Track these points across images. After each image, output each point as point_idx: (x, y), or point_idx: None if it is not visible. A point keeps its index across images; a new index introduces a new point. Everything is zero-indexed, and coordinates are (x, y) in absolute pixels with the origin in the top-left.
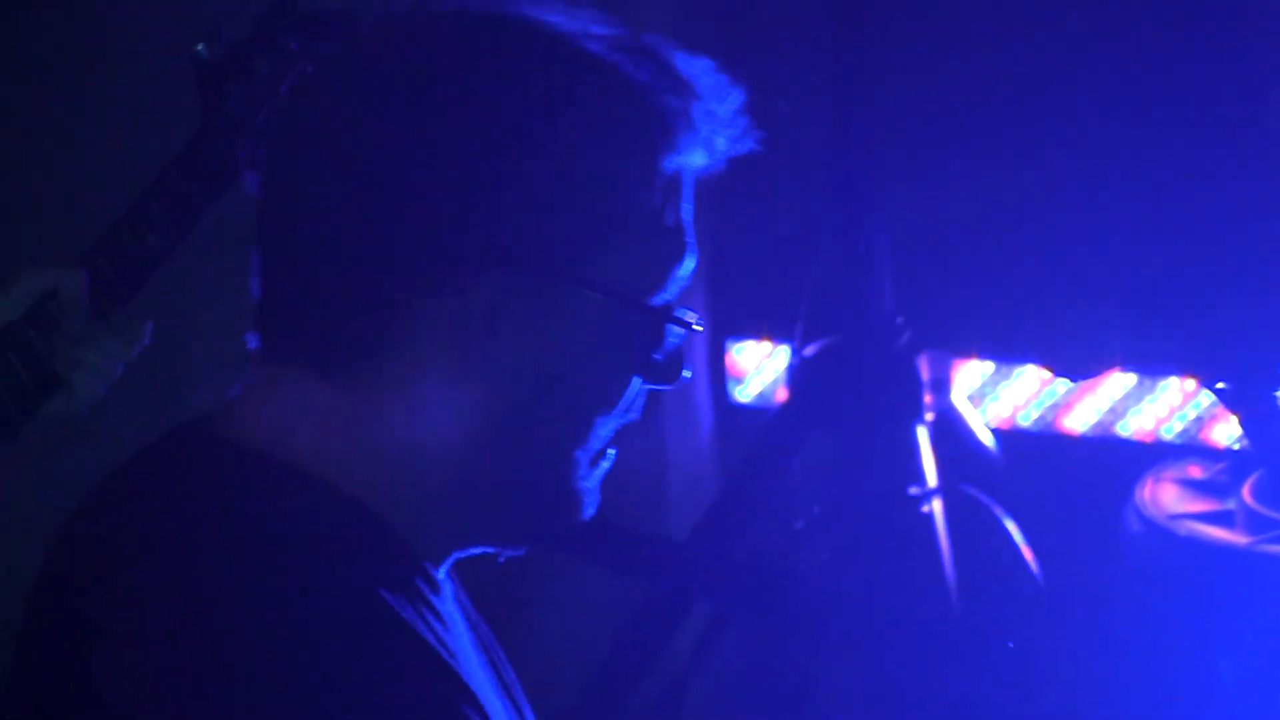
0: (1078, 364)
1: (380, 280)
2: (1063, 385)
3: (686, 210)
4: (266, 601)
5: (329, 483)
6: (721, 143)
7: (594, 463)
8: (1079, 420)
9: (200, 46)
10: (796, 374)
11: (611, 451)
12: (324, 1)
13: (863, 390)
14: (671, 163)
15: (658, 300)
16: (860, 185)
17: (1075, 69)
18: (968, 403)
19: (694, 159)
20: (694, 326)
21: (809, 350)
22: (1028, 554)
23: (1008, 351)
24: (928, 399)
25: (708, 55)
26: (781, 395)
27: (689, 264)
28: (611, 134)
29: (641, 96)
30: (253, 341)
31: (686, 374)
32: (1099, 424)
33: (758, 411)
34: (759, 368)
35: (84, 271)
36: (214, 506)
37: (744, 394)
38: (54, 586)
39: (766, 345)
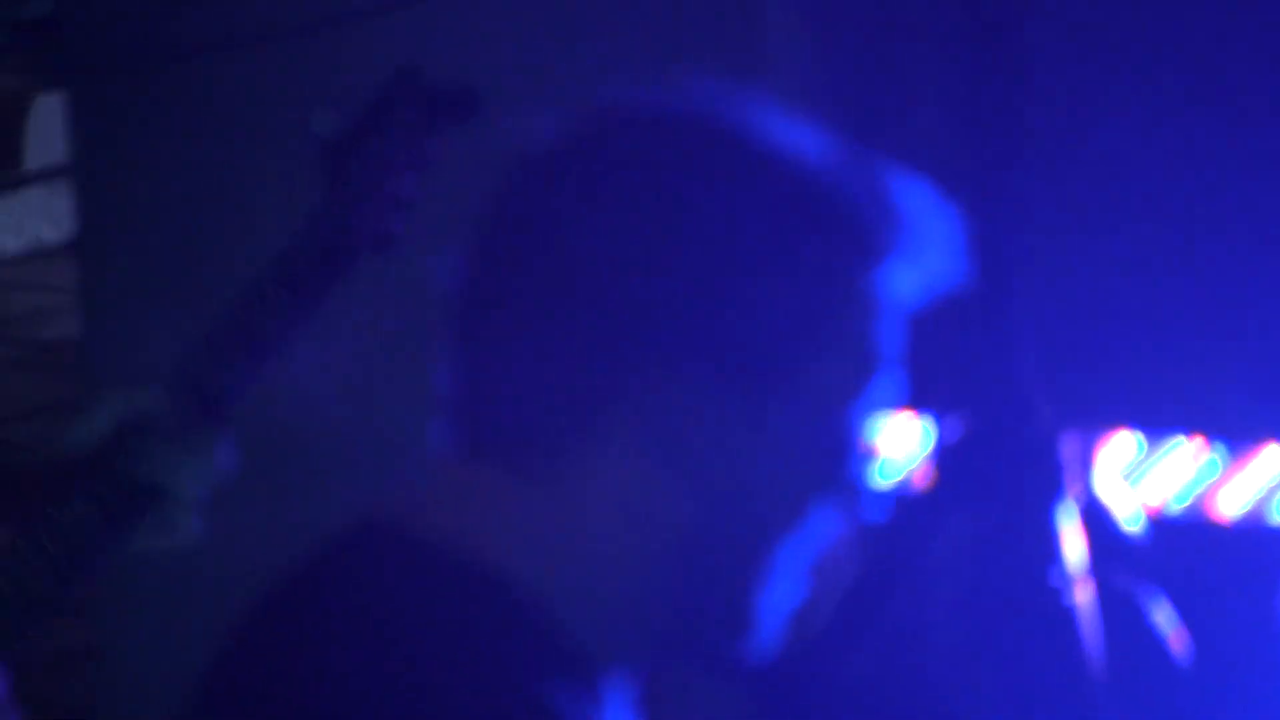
0: (1233, 434)
1: (577, 376)
2: (1215, 460)
3: (889, 321)
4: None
5: (517, 587)
6: (933, 264)
7: (786, 575)
8: (1231, 503)
9: (320, 121)
10: (936, 455)
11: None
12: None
13: (1003, 473)
14: (878, 280)
15: (853, 407)
16: (999, 257)
17: (1210, 126)
18: (1114, 485)
19: (904, 279)
20: (875, 448)
21: (949, 431)
22: (1177, 647)
23: (1157, 422)
24: (1072, 482)
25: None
26: (921, 477)
27: (889, 376)
28: (813, 242)
29: (845, 207)
30: (437, 434)
31: (880, 477)
32: (1253, 508)
33: (897, 493)
34: (898, 449)
35: (167, 393)
36: (399, 609)
37: (884, 475)
38: None
39: (906, 424)
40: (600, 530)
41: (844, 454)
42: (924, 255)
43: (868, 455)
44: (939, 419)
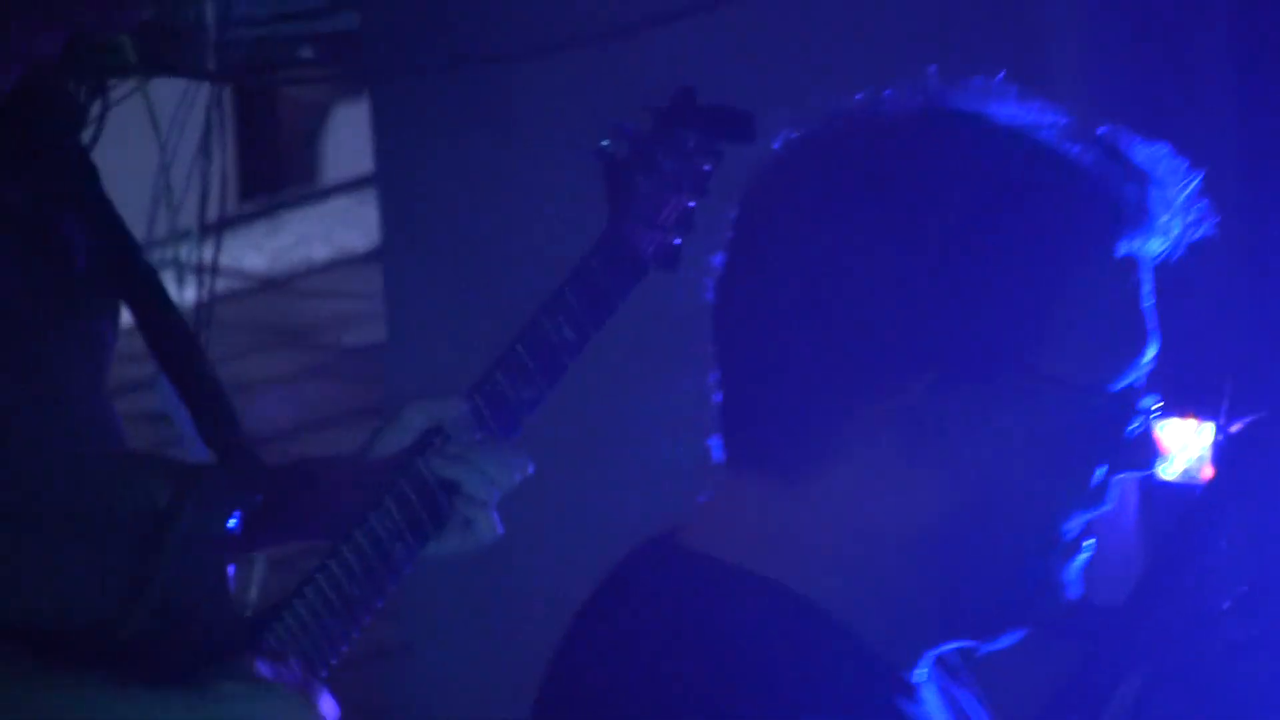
0: None
1: (834, 381)
2: None
3: (1146, 296)
4: None
5: (801, 596)
6: (1178, 228)
7: (1068, 554)
8: None
9: (606, 142)
10: (1222, 451)
11: (1089, 541)
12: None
13: None
14: (1127, 249)
15: (1119, 386)
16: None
17: None
18: None
19: (1151, 245)
20: (1154, 411)
21: (1235, 427)
22: None
23: None
24: None
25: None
26: (1207, 472)
27: (1151, 350)
28: (1067, 224)
29: (1096, 185)
30: (716, 448)
31: (1160, 460)
32: None
33: (1183, 489)
34: (1184, 445)
35: (466, 402)
36: (693, 625)
37: (1169, 471)
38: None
39: (1192, 422)
40: (867, 528)
41: (1115, 419)
42: (1168, 218)
43: (1146, 437)
44: (1227, 414)
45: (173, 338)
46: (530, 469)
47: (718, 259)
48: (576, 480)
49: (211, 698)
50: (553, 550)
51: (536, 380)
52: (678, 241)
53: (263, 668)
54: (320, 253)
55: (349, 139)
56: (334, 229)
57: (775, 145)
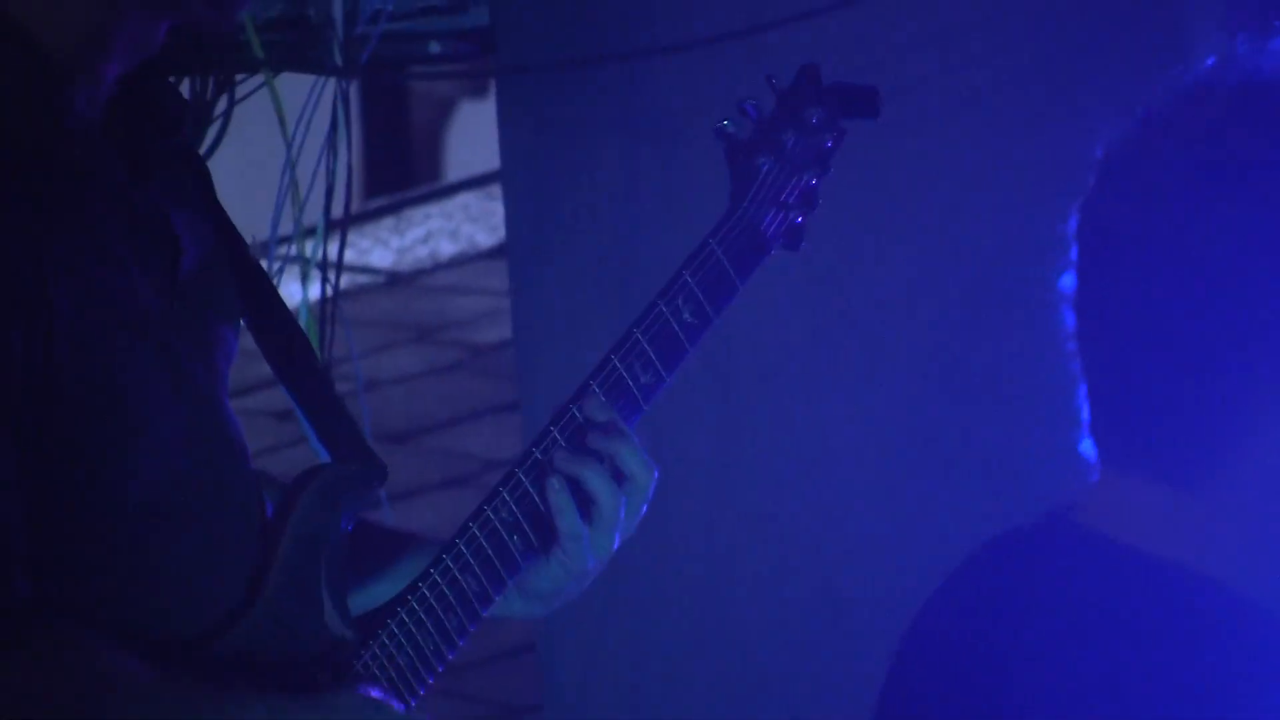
0: None
1: (1217, 374)
2: None
3: None
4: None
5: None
6: None
7: None
8: None
9: (726, 122)
10: None
11: None
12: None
13: None
14: None
15: None
16: None
17: None
18: None
19: None
20: None
21: None
22: None
23: None
24: None
25: None
26: None
27: None
28: None
29: None
30: (1086, 449)
31: None
32: None
33: None
34: None
35: (597, 387)
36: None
37: None
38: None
39: None
40: (1261, 526)
41: None
42: None
43: None
44: None
45: (283, 338)
46: (656, 473)
47: (1068, 281)
48: (704, 474)
49: (327, 709)
50: (680, 547)
51: (655, 366)
52: (801, 220)
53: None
54: (447, 249)
55: (476, 135)
56: (461, 225)
57: (1099, 152)
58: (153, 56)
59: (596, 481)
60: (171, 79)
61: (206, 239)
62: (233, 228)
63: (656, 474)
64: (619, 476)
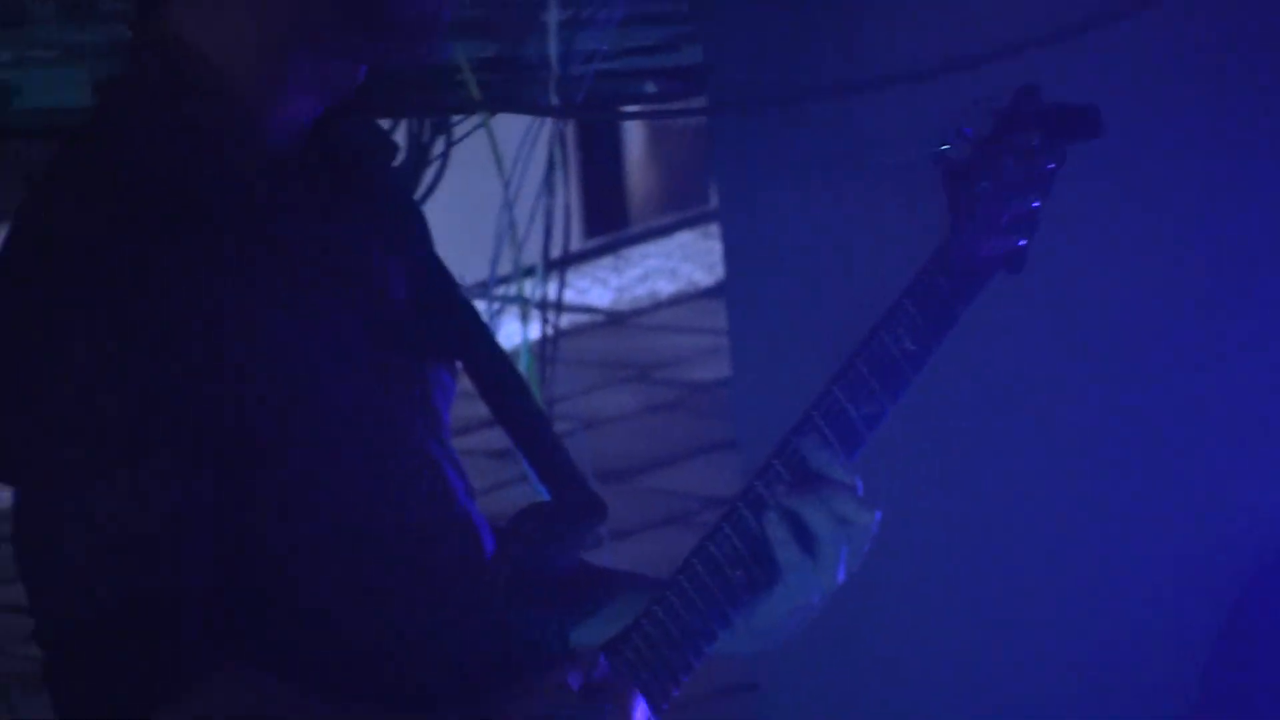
0: None
1: None
2: None
3: None
4: None
5: None
6: None
7: None
8: None
9: (946, 146)
10: None
11: None
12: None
13: None
14: None
15: None
16: None
17: None
18: None
19: None
20: None
21: None
22: None
23: None
24: None
25: None
26: None
27: None
28: None
29: None
30: None
31: None
32: None
33: None
34: None
35: (820, 419)
36: None
37: None
38: None
39: None
40: None
41: None
42: None
43: None
44: None
45: (499, 377)
46: (877, 515)
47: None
48: (925, 504)
49: None
50: (903, 581)
51: (877, 396)
52: (1023, 243)
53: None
54: (665, 288)
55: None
56: (679, 264)
57: None
58: (353, 96)
59: (816, 520)
60: (388, 122)
61: (417, 278)
62: (444, 268)
63: (878, 516)
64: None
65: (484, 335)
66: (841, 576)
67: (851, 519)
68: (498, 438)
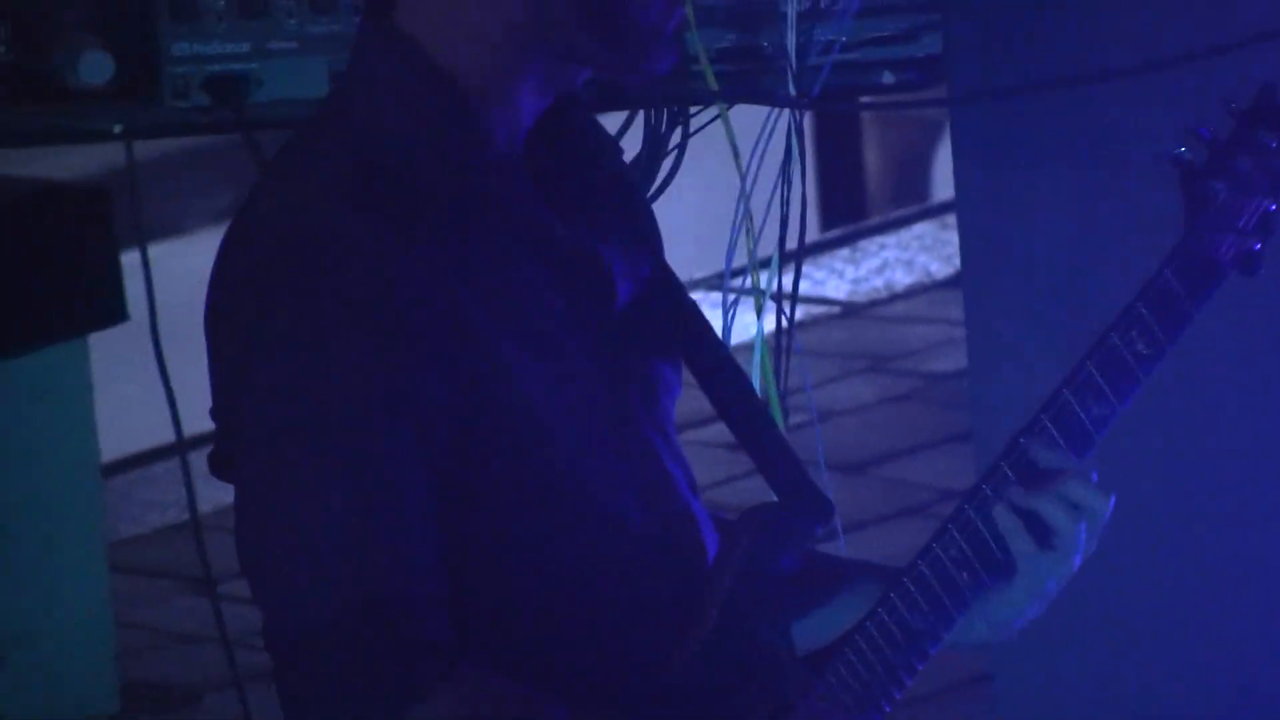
0: None
1: None
2: None
3: None
4: None
5: None
6: None
7: None
8: None
9: (1183, 149)
10: None
11: None
12: None
13: None
14: None
15: None
16: None
17: None
18: None
19: None
20: None
21: None
22: None
23: None
24: None
25: None
26: None
27: None
28: None
29: None
30: None
31: None
32: None
33: None
34: None
35: (1049, 422)
36: None
37: None
38: None
39: None
40: None
41: None
42: None
43: None
44: None
45: (721, 375)
46: (1112, 499)
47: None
48: (1153, 491)
49: None
50: (1135, 568)
51: (1107, 397)
52: (1259, 246)
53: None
54: (902, 279)
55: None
56: (916, 255)
57: None
58: (576, 91)
59: (1053, 513)
60: (626, 113)
61: (641, 274)
62: (665, 264)
63: (1113, 500)
64: (1075, 506)
65: (707, 332)
66: (1078, 563)
67: (1087, 505)
68: (725, 431)
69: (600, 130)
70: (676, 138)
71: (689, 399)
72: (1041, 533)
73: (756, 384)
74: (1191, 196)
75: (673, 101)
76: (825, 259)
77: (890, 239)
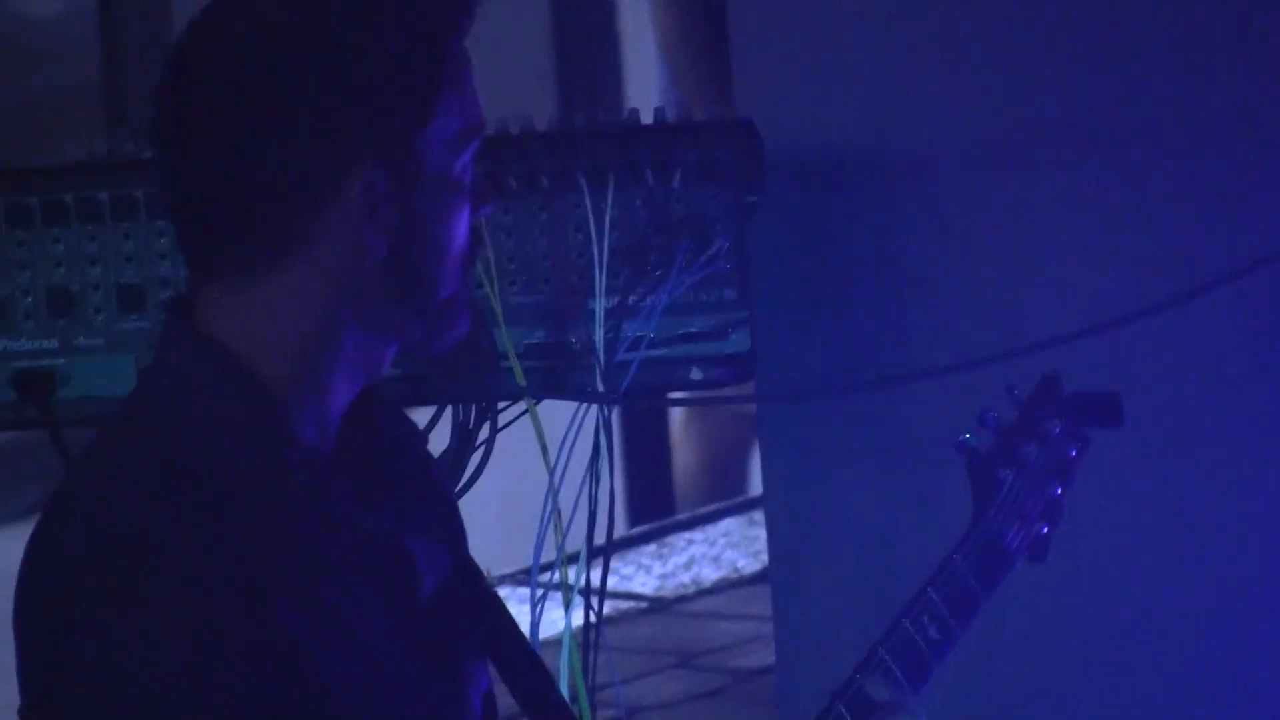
0: None
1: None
2: None
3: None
4: None
5: None
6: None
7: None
8: None
9: (968, 435)
10: None
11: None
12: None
13: None
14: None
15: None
16: None
17: None
18: None
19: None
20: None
21: None
22: None
23: None
24: None
25: None
26: None
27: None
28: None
29: None
30: None
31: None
32: None
33: None
34: None
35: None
36: None
37: None
38: None
39: None
40: None
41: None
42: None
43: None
44: None
45: (523, 669)
46: None
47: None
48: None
49: None
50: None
51: (899, 683)
52: (1046, 530)
53: None
54: (709, 574)
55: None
56: (723, 551)
57: None
58: (379, 383)
59: None
60: (435, 408)
61: (444, 568)
62: (469, 557)
63: None
64: None
65: (510, 627)
66: None
67: None
68: None
69: (406, 420)
70: (485, 433)
71: (498, 694)
72: None
73: (565, 680)
74: (979, 483)
75: (481, 398)
76: (633, 554)
77: (698, 534)
